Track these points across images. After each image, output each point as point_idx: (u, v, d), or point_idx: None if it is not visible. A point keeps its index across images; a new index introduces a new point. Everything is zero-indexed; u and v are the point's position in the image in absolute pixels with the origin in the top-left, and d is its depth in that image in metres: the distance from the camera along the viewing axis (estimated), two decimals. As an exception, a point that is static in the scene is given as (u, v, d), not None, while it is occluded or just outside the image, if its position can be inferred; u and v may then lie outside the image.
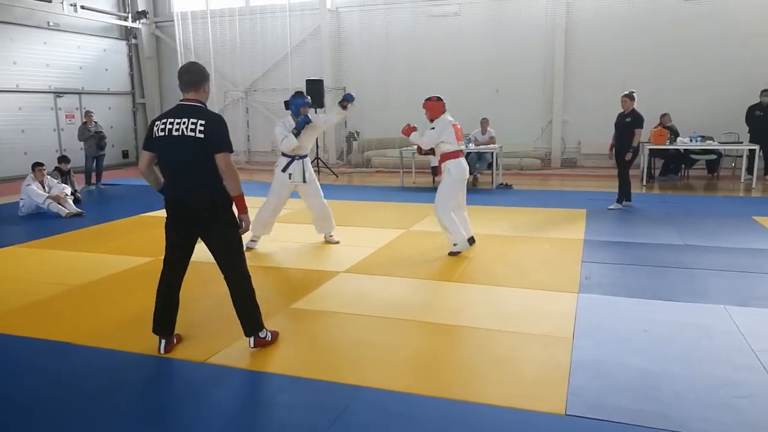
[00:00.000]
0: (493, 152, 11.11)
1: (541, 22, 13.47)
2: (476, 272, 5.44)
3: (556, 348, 3.71)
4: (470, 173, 11.50)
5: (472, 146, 11.17)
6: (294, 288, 5.11)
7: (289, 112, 6.22)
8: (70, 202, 8.92)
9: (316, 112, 13.11)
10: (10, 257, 6.42)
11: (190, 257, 3.70)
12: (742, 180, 10.88)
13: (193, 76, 3.55)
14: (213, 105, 15.97)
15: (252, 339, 3.66)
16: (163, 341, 3.71)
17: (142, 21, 16.71)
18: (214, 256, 3.61)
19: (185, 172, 3.47)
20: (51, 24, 14.25)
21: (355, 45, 14.94)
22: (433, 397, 3.11)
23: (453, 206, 5.98)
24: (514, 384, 3.29)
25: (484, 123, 11.66)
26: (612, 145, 8.64)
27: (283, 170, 6.22)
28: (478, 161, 11.46)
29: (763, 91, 11.06)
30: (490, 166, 11.34)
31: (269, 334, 3.74)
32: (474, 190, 10.96)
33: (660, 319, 4.18)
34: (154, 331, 3.71)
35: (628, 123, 8.22)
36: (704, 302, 4.49)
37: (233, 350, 3.75)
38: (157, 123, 3.51)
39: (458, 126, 6.06)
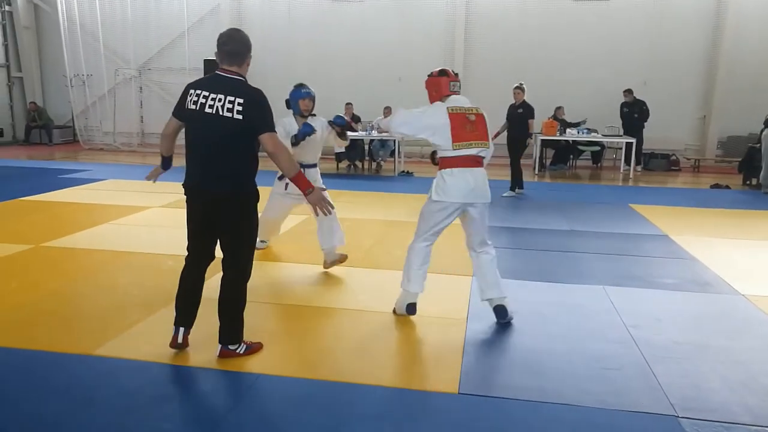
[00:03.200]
0: (395, 140, 11.27)
1: (442, 11, 13.77)
2: (377, 257, 5.52)
3: (451, 329, 3.86)
4: (374, 160, 11.76)
5: (375, 133, 11.28)
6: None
7: (291, 111, 5.05)
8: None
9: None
10: None
11: (214, 248, 3.32)
12: (621, 170, 11.80)
13: (237, 46, 3.09)
14: (102, 83, 14.99)
15: (220, 347, 3.30)
16: (182, 329, 3.34)
17: (18, -14, 15.25)
18: (222, 251, 3.26)
19: (213, 157, 3.06)
20: None
21: (256, 26, 14.48)
22: (330, 381, 3.14)
23: (429, 238, 4.04)
24: (410, 365, 3.39)
25: (387, 111, 11.78)
26: (497, 134, 9.00)
27: (280, 177, 5.02)
28: (381, 149, 11.60)
29: (624, 90, 12.06)
30: (392, 153, 11.52)
31: (243, 347, 3.34)
32: (377, 177, 11.10)
33: (546, 299, 4.46)
34: (174, 323, 3.35)
35: (520, 114, 8.65)
36: (586, 283, 4.84)
37: (123, 341, 3.56)
38: (190, 91, 3.09)
39: (471, 116, 3.87)
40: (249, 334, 3.42)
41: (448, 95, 3.93)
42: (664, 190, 10.15)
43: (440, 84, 3.95)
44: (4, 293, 4.39)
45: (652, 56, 12.93)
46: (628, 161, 11.55)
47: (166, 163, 3.44)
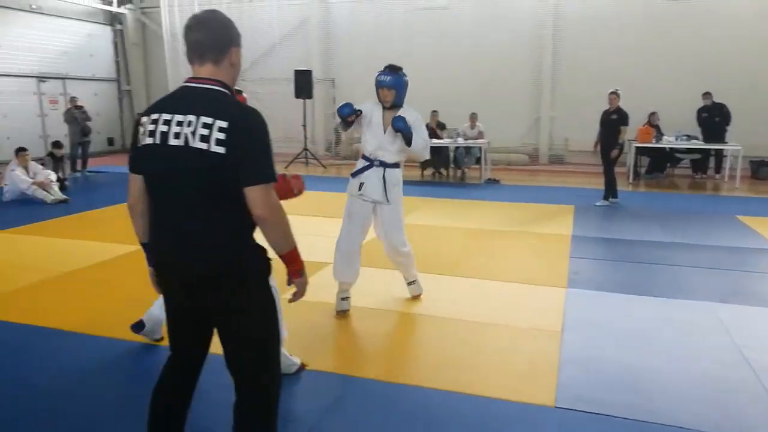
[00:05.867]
0: (481, 147, 11.16)
1: (529, 17, 13.50)
2: (465, 265, 5.47)
3: (544, 341, 3.75)
4: (458, 167, 11.70)
5: (460, 140, 11.23)
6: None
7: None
8: (56, 188, 8.80)
9: (305, 103, 13.08)
10: (-7, 243, 6.33)
11: (206, 349, 2.16)
12: (726, 179, 11.05)
13: (209, 32, 1.92)
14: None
15: None
16: None
17: (127, 6, 16.47)
18: (228, 365, 2.04)
19: (187, 214, 1.91)
20: (34, 7, 13.98)
21: (344, 36, 14.87)
22: (422, 387, 3.14)
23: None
24: (503, 376, 3.32)
25: (473, 118, 11.72)
26: (596, 142, 8.75)
27: (354, 174, 4.32)
28: (467, 156, 11.52)
29: (703, 94, 11.27)
30: (478, 161, 11.41)
31: None
32: (462, 184, 11.03)
33: (647, 314, 4.24)
34: None
35: (614, 120, 8.32)
36: (690, 299, 4.56)
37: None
38: (143, 119, 1.96)
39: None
40: (349, 337, 3.45)
41: None
42: (775, 201, 9.40)
43: None
44: (119, 289, 4.72)
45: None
46: (730, 169, 10.85)
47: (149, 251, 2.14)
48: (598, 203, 8.53)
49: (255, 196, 1.84)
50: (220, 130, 1.82)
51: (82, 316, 4.18)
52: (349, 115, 4.12)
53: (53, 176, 8.97)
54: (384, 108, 4.16)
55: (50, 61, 14.48)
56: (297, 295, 2.14)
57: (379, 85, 4.14)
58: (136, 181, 2.02)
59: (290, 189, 2.69)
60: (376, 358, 3.55)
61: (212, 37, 1.92)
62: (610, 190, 8.61)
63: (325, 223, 7.00)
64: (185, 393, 2.16)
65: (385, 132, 4.12)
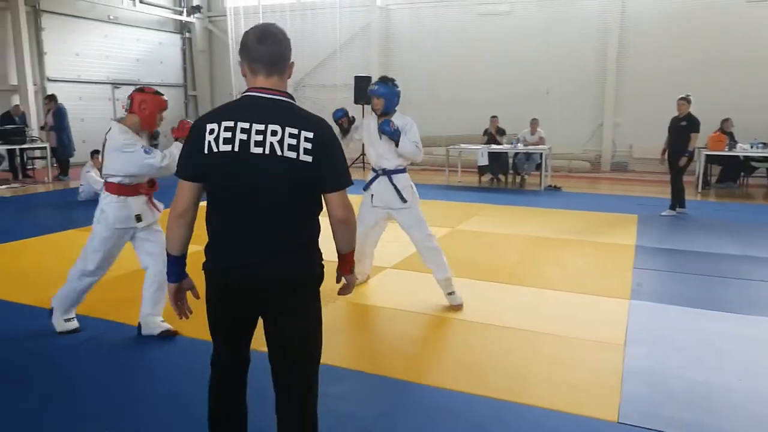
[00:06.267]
0: (542, 153, 10.95)
1: (593, 22, 13.18)
2: (524, 274, 5.37)
3: (607, 354, 3.63)
4: (518, 173, 11.52)
5: (520, 146, 11.05)
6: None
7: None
8: (125, 189, 9.22)
9: (363, 109, 13.22)
10: (69, 240, 6.68)
11: (249, 351, 2.23)
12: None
13: (278, 46, 2.02)
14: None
15: None
16: None
17: (196, 15, 17.14)
18: (272, 362, 2.10)
19: (270, 223, 1.96)
20: (111, 17, 14.76)
21: (404, 42, 14.94)
22: (481, 396, 3.09)
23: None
24: (561, 387, 3.23)
25: (534, 124, 11.52)
26: (664, 149, 8.41)
27: (365, 188, 4.57)
28: (527, 162, 11.33)
29: None
30: (538, 167, 11.19)
31: None
32: (521, 191, 10.84)
33: (716, 330, 4.04)
34: None
35: (683, 127, 7.98)
36: (764, 315, 4.32)
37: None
38: (211, 126, 1.93)
39: None
40: (400, 341, 3.43)
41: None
42: None
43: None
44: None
45: None
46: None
47: (180, 266, 2.18)
48: (664, 213, 8.20)
49: (337, 200, 2.01)
50: (306, 140, 1.91)
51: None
52: (340, 118, 4.49)
53: (124, 178, 9.41)
54: (378, 117, 4.39)
55: (124, 69, 15.24)
56: (346, 289, 2.31)
57: (369, 94, 4.39)
58: (192, 189, 2.00)
59: (187, 129, 3.16)
60: (429, 364, 3.53)
61: (280, 50, 2.02)
62: (678, 200, 8.27)
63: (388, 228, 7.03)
64: (240, 388, 2.24)
65: (381, 139, 4.37)
